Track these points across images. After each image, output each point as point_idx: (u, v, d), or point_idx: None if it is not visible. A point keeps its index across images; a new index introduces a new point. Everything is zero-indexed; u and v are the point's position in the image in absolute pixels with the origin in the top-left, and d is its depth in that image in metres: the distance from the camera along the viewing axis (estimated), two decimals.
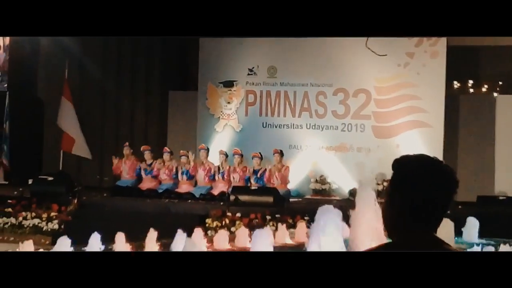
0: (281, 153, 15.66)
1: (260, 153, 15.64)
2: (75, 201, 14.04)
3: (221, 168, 15.57)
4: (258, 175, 15.31)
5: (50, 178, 14.84)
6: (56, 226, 13.04)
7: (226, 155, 15.84)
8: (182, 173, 15.59)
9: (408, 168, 2.61)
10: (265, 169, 15.38)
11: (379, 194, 12.31)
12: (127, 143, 16.44)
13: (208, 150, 16.06)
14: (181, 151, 15.96)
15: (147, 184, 15.87)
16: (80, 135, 17.18)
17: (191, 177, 15.64)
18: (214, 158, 16.09)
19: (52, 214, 13.34)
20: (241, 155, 15.63)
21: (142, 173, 15.99)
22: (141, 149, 16.26)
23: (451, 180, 2.59)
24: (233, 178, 15.36)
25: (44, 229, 13.07)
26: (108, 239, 8.47)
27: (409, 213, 2.56)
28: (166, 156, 15.91)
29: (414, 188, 2.55)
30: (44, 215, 13.29)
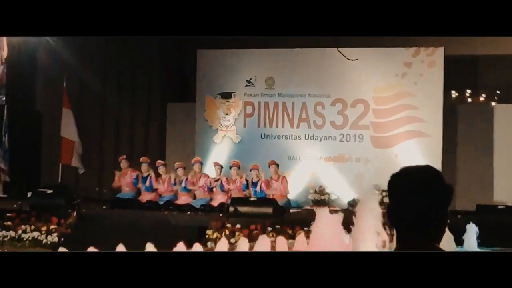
0: (277, 165, 15.68)
1: (258, 165, 15.63)
2: (74, 213, 14.01)
3: (218, 180, 15.58)
4: (258, 188, 15.33)
5: (49, 191, 14.81)
6: (56, 239, 13.00)
7: (221, 167, 15.87)
8: (180, 185, 15.61)
9: (408, 180, 2.61)
10: (263, 182, 15.39)
11: (378, 204, 12.30)
12: (124, 156, 16.42)
13: (201, 163, 16.08)
14: (177, 163, 15.96)
15: (146, 196, 15.84)
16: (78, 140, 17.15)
17: (188, 190, 15.64)
18: (212, 170, 16.11)
19: (52, 227, 13.32)
20: (239, 167, 15.68)
21: (141, 187, 15.95)
22: (140, 160, 16.25)
23: (449, 190, 2.60)
24: (232, 189, 15.38)
25: (43, 242, 13.04)
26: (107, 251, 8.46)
27: (410, 223, 2.57)
28: (161, 169, 15.91)
29: (415, 199, 2.55)
30: (44, 228, 13.27)
